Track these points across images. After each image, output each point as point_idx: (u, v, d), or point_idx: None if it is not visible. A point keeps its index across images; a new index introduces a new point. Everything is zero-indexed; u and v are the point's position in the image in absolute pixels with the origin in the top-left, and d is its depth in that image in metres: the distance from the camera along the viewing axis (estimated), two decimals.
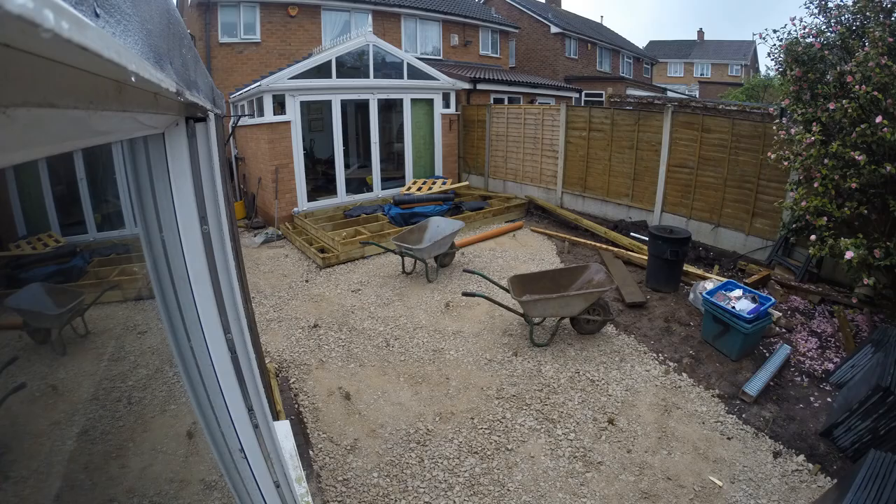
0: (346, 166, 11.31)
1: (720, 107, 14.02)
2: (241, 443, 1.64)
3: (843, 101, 5.04)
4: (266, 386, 2.83)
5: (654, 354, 5.31)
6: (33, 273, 1.09)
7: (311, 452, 3.89)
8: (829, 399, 4.53)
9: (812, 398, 4.55)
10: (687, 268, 7.00)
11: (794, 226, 6.39)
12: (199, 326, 1.47)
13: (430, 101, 11.96)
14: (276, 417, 3.03)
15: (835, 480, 3.60)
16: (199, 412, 1.56)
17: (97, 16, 0.49)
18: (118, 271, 1.51)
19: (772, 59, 6.08)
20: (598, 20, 32.26)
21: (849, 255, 4.73)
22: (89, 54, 0.40)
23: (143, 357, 1.68)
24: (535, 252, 8.61)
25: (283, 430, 2.75)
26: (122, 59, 0.48)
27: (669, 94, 25.42)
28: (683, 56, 41.93)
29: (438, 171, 12.40)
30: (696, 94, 30.67)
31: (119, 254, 1.56)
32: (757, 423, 4.25)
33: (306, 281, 7.48)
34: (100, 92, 0.55)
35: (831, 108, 5.17)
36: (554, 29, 22.16)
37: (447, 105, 12.35)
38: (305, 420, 4.31)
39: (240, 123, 11.37)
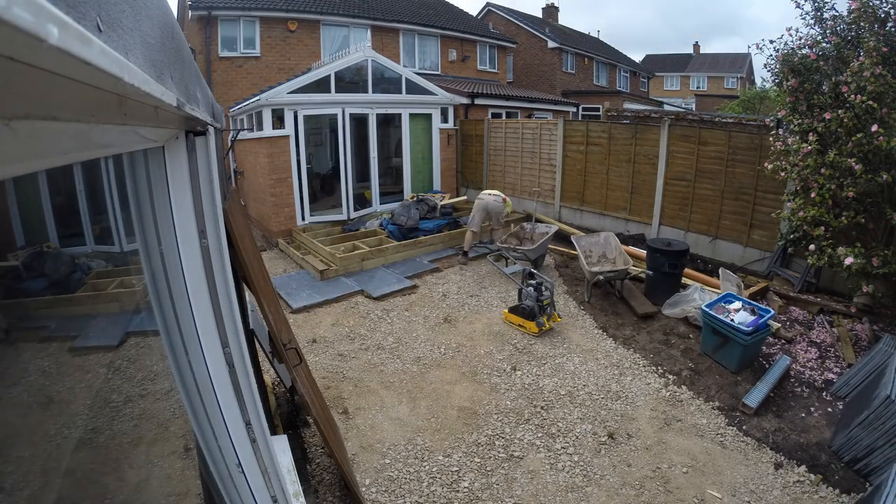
0: (345, 181, 11.33)
1: (717, 119, 14.13)
2: (238, 457, 1.63)
3: (839, 110, 5.08)
4: (264, 400, 2.82)
5: (654, 367, 5.29)
6: (31, 284, 1.09)
7: (308, 467, 3.86)
8: (829, 409, 4.51)
9: (813, 408, 4.53)
10: (688, 280, 7.01)
11: (791, 236, 6.41)
12: (196, 340, 1.47)
13: (429, 116, 12.02)
14: (273, 432, 3.00)
15: (836, 490, 3.58)
16: (197, 426, 1.56)
17: (100, 30, 0.50)
18: (116, 283, 1.51)
19: (768, 70, 6.14)
20: (595, 34, 32.59)
21: (848, 260, 4.74)
22: (92, 68, 0.41)
23: (140, 370, 1.67)
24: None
25: (280, 445, 2.73)
26: (124, 73, 0.49)
27: (666, 107, 25.62)
28: (680, 69, 42.37)
29: (437, 185, 12.44)
30: (693, 107, 30.92)
31: (117, 266, 1.56)
32: (757, 434, 4.23)
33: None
34: (101, 105, 0.56)
35: (827, 118, 5.21)
36: (551, 44, 22.40)
37: (445, 120, 12.42)
38: (303, 435, 4.28)
39: (239, 137, 11.41)
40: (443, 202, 10.90)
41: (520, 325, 6.11)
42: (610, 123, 9.98)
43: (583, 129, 10.10)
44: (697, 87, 40.92)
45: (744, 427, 4.33)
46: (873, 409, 3.66)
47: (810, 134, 5.45)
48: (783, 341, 5.67)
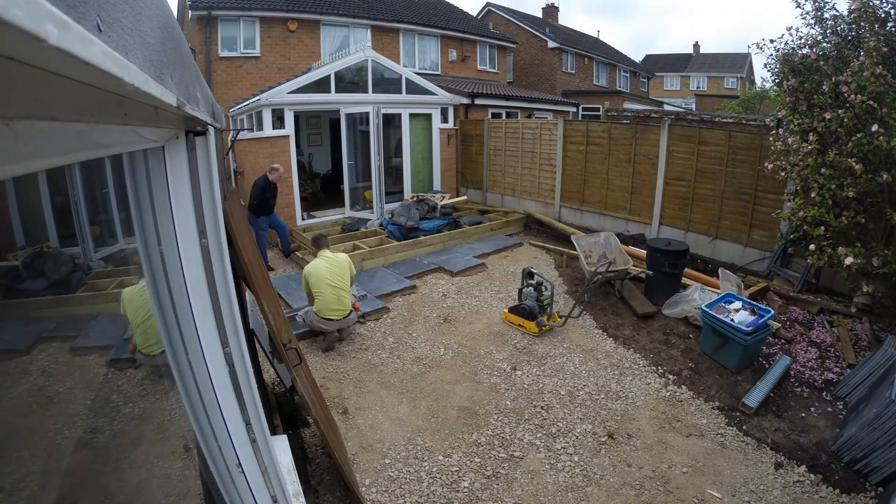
0: (346, 181, 11.33)
1: (716, 119, 14.14)
2: (238, 458, 1.63)
3: (839, 110, 5.08)
4: (264, 400, 2.81)
5: (654, 367, 5.29)
6: (32, 284, 1.09)
7: (308, 467, 3.86)
8: (829, 409, 4.51)
9: (813, 408, 4.53)
10: (687, 280, 7.00)
11: (791, 236, 6.40)
12: (196, 340, 1.47)
13: (429, 116, 12.01)
14: (273, 432, 3.00)
15: (836, 490, 3.58)
16: (197, 426, 1.56)
17: (100, 30, 0.50)
18: (116, 283, 1.51)
19: (768, 70, 6.14)
20: (595, 34, 32.58)
21: (848, 260, 4.74)
22: (92, 68, 0.40)
23: (140, 371, 1.67)
24: (534, 266, 8.60)
25: (280, 445, 2.73)
26: (124, 74, 0.49)
27: (666, 107, 25.61)
28: (679, 69, 42.33)
29: (437, 185, 12.43)
30: (693, 107, 30.88)
31: (117, 266, 1.56)
32: (757, 434, 4.23)
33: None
34: (101, 105, 0.56)
35: (827, 117, 5.21)
36: (551, 44, 22.38)
37: (445, 120, 12.40)
38: (303, 435, 4.28)
39: (239, 137, 11.41)
40: (443, 202, 10.89)
41: (520, 325, 6.11)
42: (610, 123, 9.97)
43: (583, 128, 10.09)
44: (697, 87, 40.87)
45: (744, 427, 4.33)
46: (875, 409, 3.67)
47: (810, 134, 5.45)
48: (783, 341, 5.66)
